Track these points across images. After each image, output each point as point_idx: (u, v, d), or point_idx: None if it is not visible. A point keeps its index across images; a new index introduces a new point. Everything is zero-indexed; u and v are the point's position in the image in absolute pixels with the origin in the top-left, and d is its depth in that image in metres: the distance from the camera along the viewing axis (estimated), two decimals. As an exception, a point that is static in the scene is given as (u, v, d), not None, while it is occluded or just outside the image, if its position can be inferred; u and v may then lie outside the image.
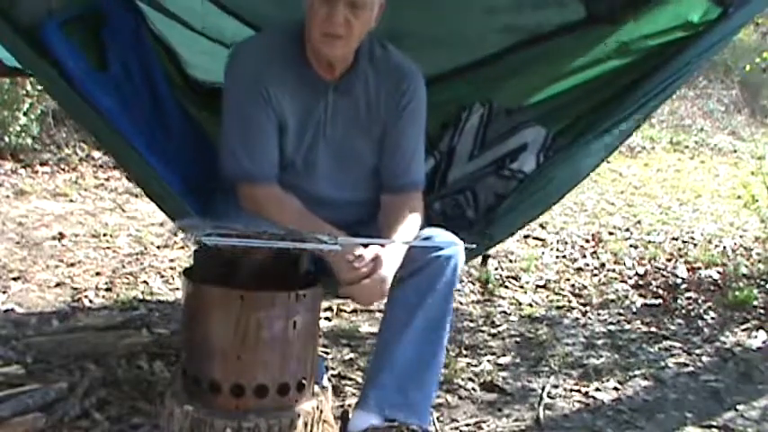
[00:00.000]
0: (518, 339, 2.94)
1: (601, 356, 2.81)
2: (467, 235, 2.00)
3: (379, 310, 2.76)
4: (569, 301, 3.44)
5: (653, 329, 3.13)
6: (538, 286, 3.62)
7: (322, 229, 1.77)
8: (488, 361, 2.70)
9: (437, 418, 2.21)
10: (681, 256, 4.23)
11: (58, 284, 3.12)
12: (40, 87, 5.01)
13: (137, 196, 4.61)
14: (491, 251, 3.98)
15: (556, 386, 2.53)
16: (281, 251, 1.57)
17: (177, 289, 3.17)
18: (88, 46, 2.14)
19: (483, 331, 2.99)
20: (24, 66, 1.99)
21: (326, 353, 2.63)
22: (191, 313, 1.59)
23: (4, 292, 2.96)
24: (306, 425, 1.58)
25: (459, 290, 3.43)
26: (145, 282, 3.25)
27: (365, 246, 1.74)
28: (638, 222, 5.12)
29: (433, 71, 2.58)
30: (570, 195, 5.70)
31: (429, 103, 2.07)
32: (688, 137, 9.36)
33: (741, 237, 4.81)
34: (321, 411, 1.64)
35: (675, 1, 2.28)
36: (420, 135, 2.01)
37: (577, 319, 3.23)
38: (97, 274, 3.30)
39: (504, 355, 2.77)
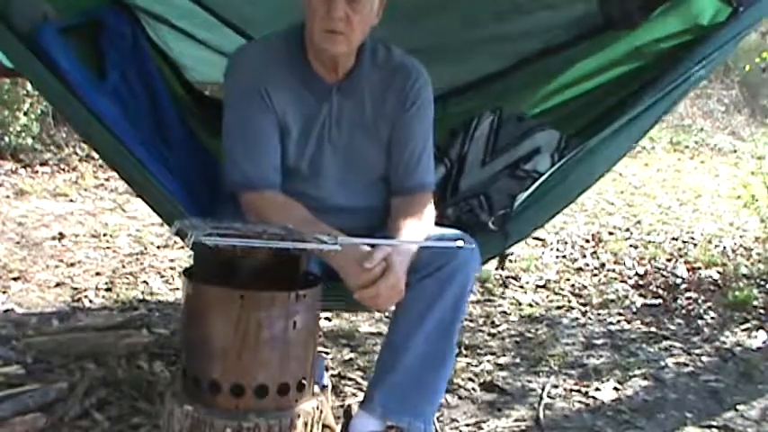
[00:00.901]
0: (518, 339, 2.94)
1: (600, 356, 2.81)
2: (482, 237, 1.94)
3: (379, 310, 2.77)
4: (569, 301, 3.44)
5: (653, 329, 3.13)
6: (538, 286, 3.62)
7: (322, 230, 1.70)
8: (488, 361, 2.70)
9: (437, 418, 2.21)
10: (681, 256, 4.23)
11: (58, 284, 3.12)
12: (39, 88, 5.01)
13: (137, 196, 4.60)
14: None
15: (555, 386, 2.53)
16: (281, 251, 1.56)
17: (177, 289, 3.17)
18: (86, 54, 2.11)
19: (483, 331, 2.99)
20: (20, 69, 1.97)
21: (326, 353, 2.63)
22: (191, 313, 1.59)
23: (4, 292, 2.96)
24: (306, 425, 1.58)
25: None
26: (145, 282, 3.25)
27: (371, 246, 1.67)
28: (638, 222, 5.12)
29: (447, 86, 2.59)
30: (570, 195, 5.59)
31: (441, 115, 2.03)
32: (688, 137, 9.36)
33: (741, 237, 4.81)
34: (321, 411, 1.64)
35: (687, 2, 2.27)
36: (428, 135, 1.95)
37: (577, 318, 3.23)
38: (97, 274, 3.30)
39: (504, 355, 2.77)
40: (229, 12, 2.54)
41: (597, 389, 2.53)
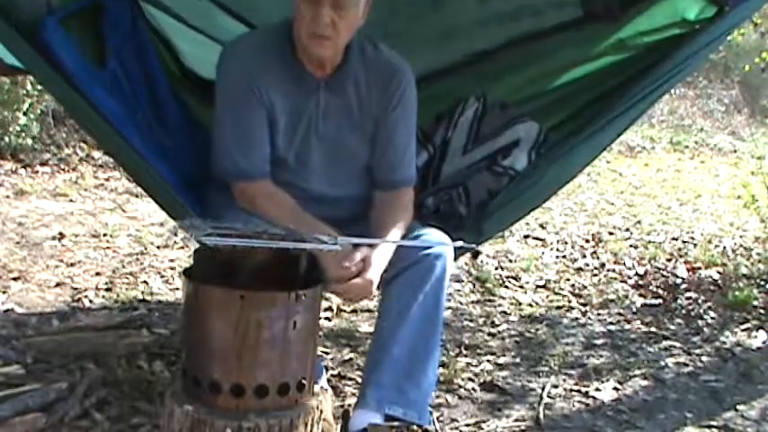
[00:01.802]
0: (518, 339, 2.94)
1: (600, 356, 2.81)
2: (458, 231, 2.03)
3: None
4: (569, 301, 3.44)
5: (653, 329, 3.13)
6: (538, 286, 3.62)
7: (314, 225, 1.79)
8: (488, 361, 2.70)
9: (437, 418, 2.21)
10: (681, 256, 4.23)
11: (58, 284, 3.12)
12: (40, 87, 5.01)
13: (137, 196, 4.61)
14: (490, 251, 4.00)
15: (556, 386, 2.53)
16: (281, 251, 1.57)
17: (177, 289, 3.17)
18: (88, 42, 2.14)
19: (483, 331, 2.99)
20: (23, 63, 1.99)
21: (326, 353, 2.63)
22: (191, 313, 1.59)
23: (4, 292, 2.96)
24: (306, 425, 1.58)
25: (459, 290, 3.43)
26: (145, 282, 3.25)
27: (355, 246, 1.76)
28: (638, 222, 5.12)
29: (430, 67, 2.59)
30: (570, 195, 5.69)
31: (424, 97, 2.08)
32: (688, 137, 9.36)
33: (741, 237, 4.81)
34: (321, 411, 1.64)
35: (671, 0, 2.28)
36: (411, 132, 2.04)
37: (577, 318, 3.23)
38: (97, 274, 3.30)
39: (504, 355, 2.77)
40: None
41: (597, 389, 2.53)
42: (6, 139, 5.32)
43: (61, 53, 1.91)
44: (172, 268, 3.44)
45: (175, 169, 2.09)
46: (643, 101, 2.24)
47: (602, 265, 4.03)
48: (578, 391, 2.51)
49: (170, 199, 1.99)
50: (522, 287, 3.58)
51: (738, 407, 2.45)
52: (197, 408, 1.53)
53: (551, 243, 4.38)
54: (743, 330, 3.16)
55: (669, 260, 4.15)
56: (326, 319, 2.94)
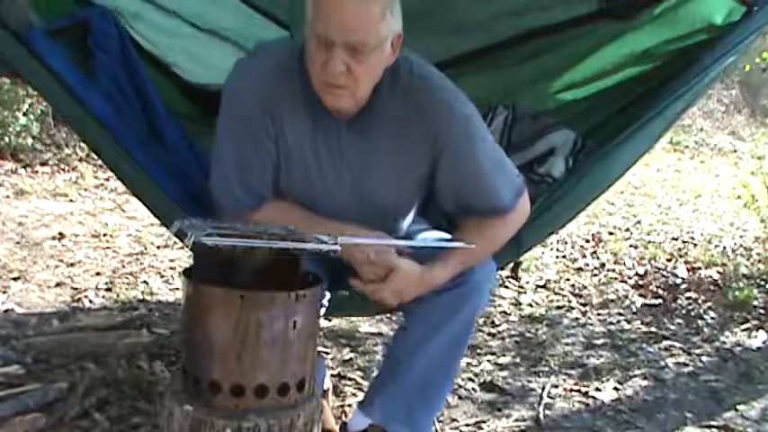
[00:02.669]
0: (518, 339, 2.94)
1: (600, 356, 2.81)
2: None
3: (379, 311, 2.77)
4: (569, 301, 3.44)
5: (653, 329, 3.13)
6: (538, 286, 3.62)
7: (329, 227, 1.61)
8: (488, 361, 2.70)
9: (437, 418, 2.21)
10: (681, 256, 4.23)
11: (58, 284, 3.12)
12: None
13: (132, 194, 4.61)
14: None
15: (556, 386, 2.53)
16: (281, 251, 1.56)
17: (177, 289, 3.17)
18: (75, 54, 2.10)
19: (483, 331, 2.99)
20: (17, 67, 1.97)
21: (326, 353, 2.63)
22: (191, 313, 1.59)
23: (4, 292, 2.96)
24: (306, 425, 1.58)
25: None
26: (145, 282, 3.25)
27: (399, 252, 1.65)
28: (638, 222, 5.13)
29: (449, 53, 2.56)
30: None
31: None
32: (688, 137, 9.37)
33: (741, 237, 4.81)
34: (321, 411, 1.64)
35: (698, 1, 2.25)
36: (485, 157, 1.71)
37: (577, 318, 3.23)
38: (97, 274, 3.30)
39: (504, 355, 2.77)
40: None
41: (597, 389, 2.53)
42: (6, 139, 5.33)
43: (50, 60, 1.88)
44: (172, 268, 3.45)
45: (176, 181, 2.05)
46: (676, 104, 2.15)
47: (602, 265, 4.03)
48: (578, 391, 2.51)
49: (168, 208, 1.91)
50: (522, 287, 3.58)
51: (738, 407, 2.45)
52: (197, 408, 1.53)
53: (551, 243, 4.38)
54: (743, 330, 3.16)
55: (669, 260, 4.15)
56: (326, 319, 2.94)
